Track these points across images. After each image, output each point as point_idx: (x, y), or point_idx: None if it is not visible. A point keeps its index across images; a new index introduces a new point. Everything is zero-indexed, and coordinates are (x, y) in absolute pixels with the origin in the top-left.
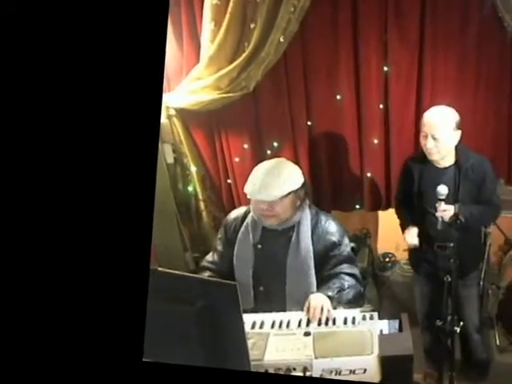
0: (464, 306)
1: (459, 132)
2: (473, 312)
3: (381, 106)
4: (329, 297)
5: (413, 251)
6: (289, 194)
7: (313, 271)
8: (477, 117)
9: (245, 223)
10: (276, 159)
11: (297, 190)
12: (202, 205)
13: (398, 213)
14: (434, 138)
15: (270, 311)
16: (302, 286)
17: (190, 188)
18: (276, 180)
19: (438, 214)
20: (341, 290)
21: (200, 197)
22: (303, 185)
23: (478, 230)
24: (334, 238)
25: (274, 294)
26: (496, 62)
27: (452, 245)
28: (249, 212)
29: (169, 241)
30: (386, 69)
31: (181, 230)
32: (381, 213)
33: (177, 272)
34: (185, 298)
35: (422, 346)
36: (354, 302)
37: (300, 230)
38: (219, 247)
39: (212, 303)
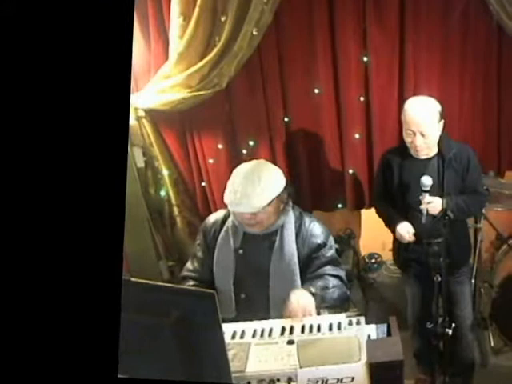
0: (457, 303)
1: (442, 121)
2: (466, 309)
3: (361, 99)
4: (312, 294)
5: (399, 251)
6: (271, 201)
7: (298, 277)
8: (464, 107)
9: (224, 227)
10: (254, 162)
11: (279, 194)
12: (175, 210)
13: (378, 210)
14: (423, 135)
15: (253, 320)
16: (286, 292)
17: (163, 192)
18: (257, 188)
19: (423, 207)
20: (325, 288)
21: (173, 201)
22: (285, 187)
23: (465, 222)
24: (319, 240)
25: (256, 301)
26: (482, 48)
27: (441, 240)
28: (229, 215)
29: (141, 249)
30: (365, 59)
31: (154, 238)
32: (364, 211)
33: (150, 282)
34: (159, 309)
35: (413, 350)
36: (339, 302)
37: (284, 233)
38: (199, 253)
39: (188, 314)
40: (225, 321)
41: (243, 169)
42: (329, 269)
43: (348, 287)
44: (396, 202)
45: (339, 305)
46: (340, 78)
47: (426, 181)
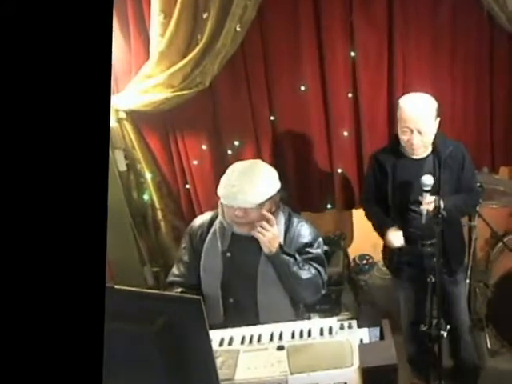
0: (453, 304)
1: (438, 120)
2: (463, 310)
3: (349, 95)
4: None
5: (391, 254)
6: (266, 201)
7: None
8: (456, 102)
9: (212, 230)
10: (251, 160)
11: (274, 195)
12: (159, 214)
13: (367, 213)
14: (420, 133)
15: (242, 325)
16: (274, 295)
17: (146, 196)
18: (254, 184)
19: (424, 207)
20: (301, 269)
21: (157, 205)
22: (279, 190)
23: (459, 221)
24: (306, 240)
25: (245, 306)
26: (473, 41)
27: (435, 241)
28: (216, 218)
29: (125, 255)
30: (352, 54)
31: (137, 243)
32: (354, 211)
33: (135, 289)
34: (144, 316)
35: (407, 355)
36: (310, 290)
37: None
38: (185, 258)
39: (174, 321)
40: (213, 327)
41: (240, 165)
42: (311, 263)
43: (324, 287)
44: (389, 204)
45: (309, 292)
46: (327, 75)
47: (427, 180)
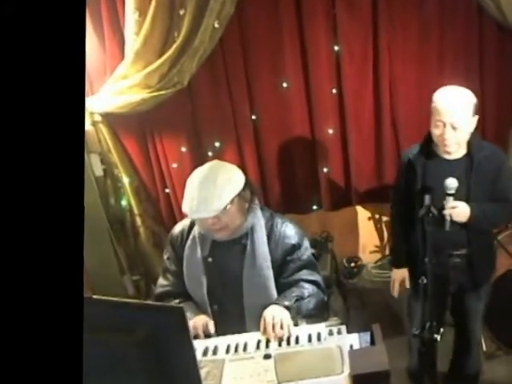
0: (471, 318)
1: (476, 118)
2: (478, 324)
3: (334, 91)
4: (286, 307)
5: (414, 265)
6: (232, 200)
7: (272, 282)
8: None
9: (191, 236)
10: (208, 164)
11: (240, 192)
12: (138, 220)
13: (393, 228)
14: (454, 128)
15: (227, 333)
16: (261, 300)
17: (124, 202)
18: (213, 190)
19: (446, 212)
20: (300, 298)
21: (135, 211)
22: (246, 184)
23: (490, 233)
24: (293, 241)
25: (230, 312)
26: (462, 32)
27: (464, 252)
28: (195, 223)
29: (103, 264)
30: (336, 48)
31: (116, 251)
32: (341, 212)
33: (114, 299)
34: (125, 327)
35: (408, 366)
36: (317, 312)
37: (254, 236)
38: (171, 267)
39: (156, 331)
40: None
41: (197, 174)
42: (304, 274)
43: (325, 293)
44: (415, 210)
45: (316, 313)
46: (310, 70)
47: (451, 183)
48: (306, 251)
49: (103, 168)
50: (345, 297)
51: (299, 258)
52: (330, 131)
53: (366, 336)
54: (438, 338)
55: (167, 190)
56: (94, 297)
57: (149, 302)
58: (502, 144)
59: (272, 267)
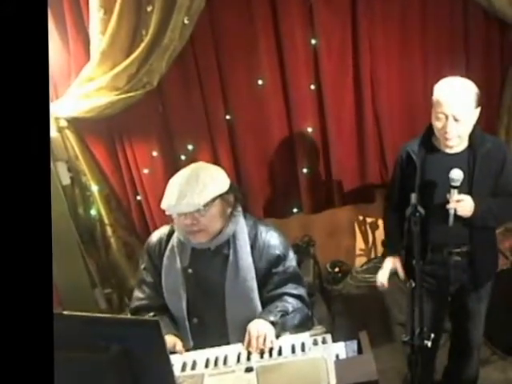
0: (473, 320)
1: (479, 109)
2: (479, 327)
3: (312, 87)
4: (271, 322)
5: (411, 263)
6: (214, 200)
7: (256, 294)
8: (429, 90)
9: (170, 245)
10: (193, 164)
11: (223, 194)
12: (109, 230)
13: (384, 217)
14: (456, 120)
15: (210, 347)
16: (245, 312)
17: (93, 211)
18: (195, 186)
19: (451, 206)
20: (284, 314)
21: (106, 221)
22: (231, 188)
23: (493, 230)
24: (278, 252)
25: (211, 326)
26: (446, 20)
27: (465, 249)
28: (174, 231)
29: (73, 277)
30: (313, 42)
31: (86, 263)
32: (323, 215)
33: (86, 314)
34: (98, 343)
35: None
36: (301, 327)
37: (237, 245)
38: (148, 278)
39: (131, 346)
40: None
41: (180, 173)
42: (289, 287)
43: (310, 308)
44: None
45: (301, 329)
46: (286, 66)
47: (456, 174)
48: (292, 262)
49: (70, 176)
50: (329, 304)
51: (284, 270)
52: (309, 129)
53: (353, 344)
54: (429, 344)
55: (139, 198)
56: (65, 312)
57: (122, 316)
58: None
59: (256, 278)
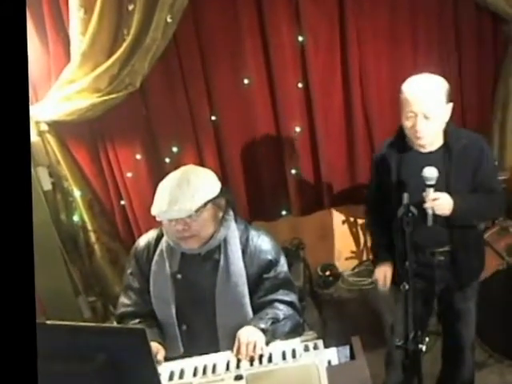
0: (462, 321)
1: (450, 105)
2: (470, 327)
3: (299, 85)
4: (262, 330)
5: (397, 267)
6: (205, 204)
7: (247, 300)
8: None
9: (158, 250)
10: (182, 168)
11: (214, 198)
12: (92, 236)
13: (368, 226)
14: (427, 118)
15: (199, 354)
16: (235, 319)
17: (76, 217)
18: (186, 191)
19: (428, 205)
20: (275, 321)
21: (89, 227)
22: (222, 192)
23: (477, 227)
24: (270, 257)
25: (201, 332)
26: (436, 14)
27: (448, 249)
28: (162, 235)
29: (56, 285)
30: (300, 38)
31: (69, 271)
32: (313, 217)
33: (70, 323)
34: (82, 353)
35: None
36: (291, 334)
37: (228, 250)
38: (134, 284)
39: (116, 356)
40: (172, 359)
41: (169, 177)
42: (280, 294)
43: (301, 314)
44: (394, 207)
45: (291, 336)
46: (273, 64)
47: (430, 172)
48: (283, 268)
49: (52, 182)
50: (320, 308)
51: (276, 276)
52: (298, 129)
53: (345, 350)
54: (424, 348)
55: (122, 202)
56: (48, 322)
57: (107, 324)
58: (485, 132)
59: (247, 283)
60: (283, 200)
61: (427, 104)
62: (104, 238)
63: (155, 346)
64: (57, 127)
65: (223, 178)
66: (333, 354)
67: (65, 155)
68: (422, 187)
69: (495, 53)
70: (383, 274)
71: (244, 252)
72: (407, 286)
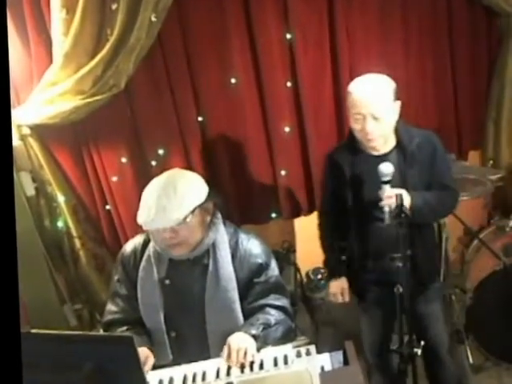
0: (429, 326)
1: (399, 103)
2: (440, 330)
3: (288, 84)
4: (253, 336)
5: (354, 271)
6: (193, 211)
7: (238, 305)
8: (412, 82)
9: (145, 255)
10: (167, 172)
11: (202, 203)
12: (77, 242)
13: (322, 234)
14: (375, 118)
15: (189, 361)
16: (226, 325)
17: (60, 223)
18: (173, 198)
19: (384, 203)
20: (267, 327)
21: (74, 233)
22: (209, 195)
23: (432, 229)
24: (260, 260)
25: (191, 339)
26: (428, 9)
27: (407, 253)
28: (149, 240)
29: (41, 293)
30: (289, 36)
31: (54, 278)
32: (304, 219)
33: (55, 332)
34: (69, 362)
35: None
36: (283, 340)
37: (217, 254)
38: (122, 291)
39: (104, 364)
40: (161, 367)
41: (154, 182)
42: (271, 298)
43: (293, 319)
44: (349, 213)
45: (283, 341)
46: (260, 62)
47: (386, 168)
48: (274, 272)
49: (35, 187)
50: (312, 313)
51: (266, 280)
52: (287, 129)
53: (339, 355)
54: (419, 352)
55: (108, 207)
56: (33, 331)
57: (94, 332)
58: (478, 134)
59: (237, 288)
60: (273, 202)
61: (375, 105)
62: (89, 244)
63: (145, 351)
64: (39, 131)
65: (211, 181)
66: (326, 360)
67: (48, 159)
68: (377, 191)
69: (489, 49)
70: (340, 287)
71: (233, 256)
72: (401, 289)
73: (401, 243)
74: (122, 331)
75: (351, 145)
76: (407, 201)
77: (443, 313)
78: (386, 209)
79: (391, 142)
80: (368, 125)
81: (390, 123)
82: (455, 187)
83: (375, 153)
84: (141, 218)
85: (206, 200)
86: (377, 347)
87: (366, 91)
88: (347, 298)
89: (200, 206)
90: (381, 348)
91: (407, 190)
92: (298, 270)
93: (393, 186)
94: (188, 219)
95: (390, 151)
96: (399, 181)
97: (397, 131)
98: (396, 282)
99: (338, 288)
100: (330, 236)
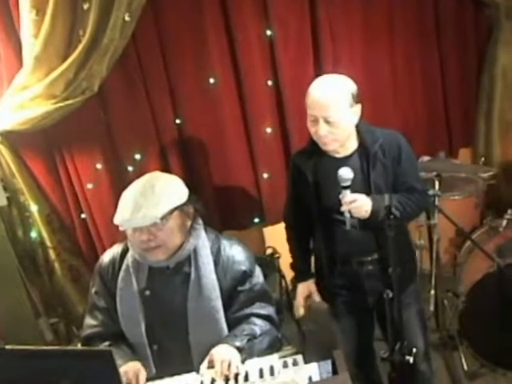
0: (405, 332)
1: (359, 106)
2: (416, 336)
3: (269, 83)
4: (237, 348)
5: (323, 278)
6: (172, 212)
7: (222, 314)
8: (398, 79)
9: (124, 266)
10: (147, 175)
11: (181, 205)
12: (51, 253)
13: (289, 238)
14: (328, 122)
15: (172, 375)
16: (209, 335)
17: (34, 234)
18: (150, 197)
19: (345, 208)
20: (252, 338)
21: (48, 243)
22: (190, 199)
23: (405, 231)
24: (244, 267)
25: (174, 351)
26: (413, 3)
27: (376, 257)
28: (127, 250)
29: (14, 307)
30: (269, 32)
31: (28, 291)
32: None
33: (31, 347)
34: (45, 378)
35: None
36: (269, 350)
37: (199, 262)
38: (100, 303)
39: (82, 380)
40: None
41: (133, 185)
42: (256, 307)
43: (278, 327)
44: (314, 216)
45: (269, 352)
46: (239, 61)
47: (345, 173)
48: (259, 279)
49: (7, 196)
50: (298, 321)
51: (251, 288)
52: (268, 130)
53: (327, 365)
54: (411, 359)
55: (83, 216)
56: (7, 347)
57: (71, 347)
58: (469, 131)
59: (220, 297)
60: (255, 206)
61: (326, 109)
62: (64, 255)
63: (137, 365)
64: (10, 137)
65: (190, 185)
66: (314, 370)
67: (20, 167)
68: (339, 186)
69: (478, 41)
70: (307, 291)
71: (216, 263)
72: (391, 294)
73: (389, 243)
74: (104, 346)
75: (314, 147)
76: (369, 205)
77: (420, 315)
78: (347, 214)
79: (353, 144)
80: (321, 128)
81: (346, 128)
82: (422, 188)
83: (337, 155)
84: (117, 218)
85: (186, 203)
86: (354, 357)
87: (320, 94)
88: (317, 298)
89: (179, 208)
90: (358, 358)
91: (371, 192)
92: (283, 276)
93: (356, 189)
94: (165, 220)
95: (352, 153)
96: (362, 183)
97: (359, 133)
98: (367, 288)
99: (306, 290)
100: (296, 239)
